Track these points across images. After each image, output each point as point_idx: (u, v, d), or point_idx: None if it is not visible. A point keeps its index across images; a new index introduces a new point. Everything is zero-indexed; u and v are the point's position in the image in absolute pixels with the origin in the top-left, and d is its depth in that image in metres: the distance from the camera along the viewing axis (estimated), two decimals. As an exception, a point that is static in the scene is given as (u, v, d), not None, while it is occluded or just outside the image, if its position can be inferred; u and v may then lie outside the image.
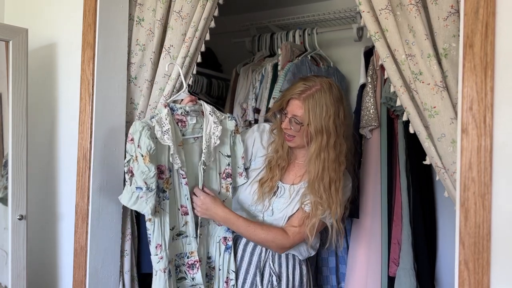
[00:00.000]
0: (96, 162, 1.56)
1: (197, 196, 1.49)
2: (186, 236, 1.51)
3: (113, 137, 1.62)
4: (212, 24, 1.65)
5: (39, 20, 1.74)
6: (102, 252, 1.59)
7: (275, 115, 1.59)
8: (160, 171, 1.43)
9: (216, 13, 1.64)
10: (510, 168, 1.06)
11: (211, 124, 1.51)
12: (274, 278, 1.54)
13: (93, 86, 1.56)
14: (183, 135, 1.49)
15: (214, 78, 2.47)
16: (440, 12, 1.27)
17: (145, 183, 1.36)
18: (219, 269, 1.56)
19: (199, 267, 1.50)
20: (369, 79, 1.89)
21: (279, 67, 2.06)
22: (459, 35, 1.19)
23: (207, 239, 1.56)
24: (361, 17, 1.38)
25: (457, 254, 1.09)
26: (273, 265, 1.55)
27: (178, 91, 1.58)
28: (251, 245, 1.58)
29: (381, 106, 1.84)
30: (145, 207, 1.38)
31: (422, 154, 1.36)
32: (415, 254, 1.74)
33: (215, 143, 1.50)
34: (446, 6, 1.26)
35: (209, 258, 1.57)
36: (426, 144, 1.31)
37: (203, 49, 1.67)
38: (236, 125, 1.59)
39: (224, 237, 1.55)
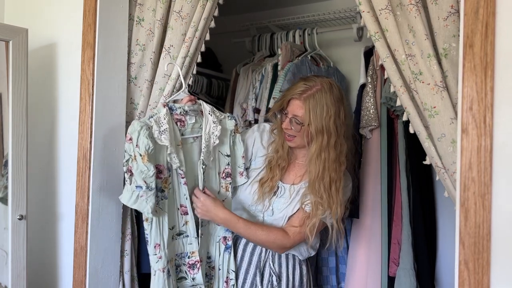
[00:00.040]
0: (96, 162, 1.56)
1: (197, 197, 1.48)
2: (187, 236, 1.51)
3: (113, 137, 1.62)
4: (212, 24, 1.65)
5: (39, 20, 1.74)
6: (102, 252, 1.59)
7: (276, 115, 1.59)
8: (158, 171, 1.43)
9: (216, 13, 1.64)
10: (510, 168, 1.06)
11: (210, 123, 1.51)
12: (274, 278, 1.54)
13: (93, 86, 1.56)
14: (182, 134, 1.49)
15: (214, 78, 2.46)
16: (440, 12, 1.27)
17: (145, 182, 1.36)
18: (219, 269, 1.56)
19: (200, 267, 1.50)
20: (369, 79, 1.89)
21: (279, 67, 2.06)
22: (459, 35, 1.19)
23: (207, 238, 1.56)
24: (361, 17, 1.38)
25: (457, 254, 1.09)
26: (273, 265, 1.55)
27: (178, 91, 1.58)
28: (251, 245, 1.57)
29: (381, 106, 1.84)
30: (145, 206, 1.38)
31: (422, 154, 1.36)
32: (415, 254, 1.74)
33: (214, 142, 1.50)
34: (446, 6, 1.26)
35: (209, 257, 1.57)
36: (426, 144, 1.31)
37: (203, 49, 1.67)
38: (236, 124, 1.59)
39: (224, 236, 1.55)
